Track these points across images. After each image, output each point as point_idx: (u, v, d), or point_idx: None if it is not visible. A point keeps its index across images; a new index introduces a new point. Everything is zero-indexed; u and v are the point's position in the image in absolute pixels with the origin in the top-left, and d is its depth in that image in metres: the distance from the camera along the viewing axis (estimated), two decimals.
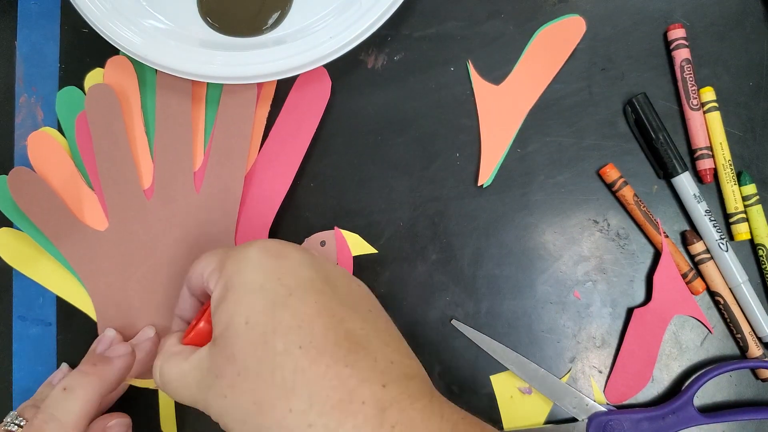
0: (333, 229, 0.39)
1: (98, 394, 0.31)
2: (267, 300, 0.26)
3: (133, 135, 0.39)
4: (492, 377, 0.38)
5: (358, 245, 0.39)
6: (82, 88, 0.40)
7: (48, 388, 0.35)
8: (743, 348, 0.37)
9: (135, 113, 0.39)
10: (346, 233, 0.39)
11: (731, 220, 0.38)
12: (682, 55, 0.38)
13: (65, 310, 0.39)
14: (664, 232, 0.38)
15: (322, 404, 0.24)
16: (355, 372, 0.24)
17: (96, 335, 0.39)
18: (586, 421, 0.37)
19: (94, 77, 0.40)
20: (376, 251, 0.39)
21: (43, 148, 0.39)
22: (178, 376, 0.28)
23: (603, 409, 0.37)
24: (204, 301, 0.33)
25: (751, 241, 0.38)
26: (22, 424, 0.31)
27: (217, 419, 0.26)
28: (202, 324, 0.30)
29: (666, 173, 0.38)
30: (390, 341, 0.27)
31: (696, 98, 0.38)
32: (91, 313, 0.39)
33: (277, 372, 0.24)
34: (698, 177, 0.38)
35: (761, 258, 0.37)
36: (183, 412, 0.39)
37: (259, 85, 0.39)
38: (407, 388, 0.25)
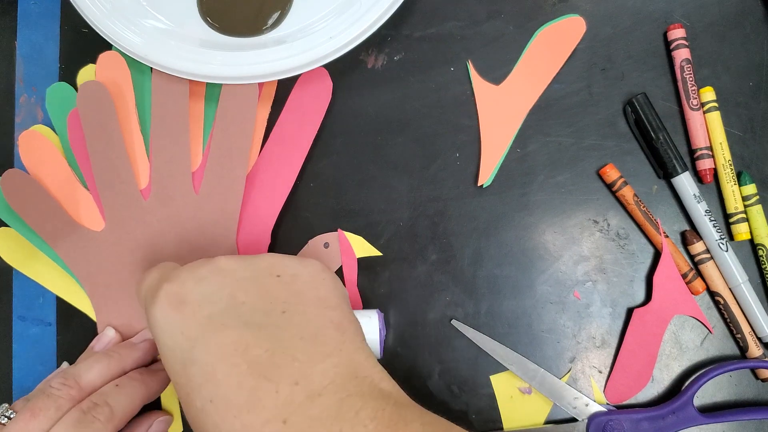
0: (335, 230, 0.39)
1: (144, 398, 0.34)
2: (177, 360, 0.27)
3: (129, 133, 0.39)
4: (492, 377, 0.38)
5: (362, 247, 0.39)
6: (75, 85, 0.40)
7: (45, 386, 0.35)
8: (743, 348, 0.37)
9: (130, 111, 0.39)
10: (349, 235, 0.39)
11: (731, 220, 0.38)
12: (682, 55, 0.38)
13: (65, 310, 0.39)
14: (664, 232, 0.38)
15: None
16: (257, 415, 0.25)
17: (96, 335, 0.39)
18: (586, 421, 0.37)
19: (86, 73, 0.40)
20: (380, 253, 0.39)
21: (35, 147, 0.39)
22: None
23: (603, 409, 0.37)
24: None
25: (751, 241, 0.38)
26: (12, 416, 0.32)
27: None
28: None
29: (666, 173, 0.38)
30: (299, 348, 0.27)
31: (696, 98, 0.38)
32: (91, 314, 0.39)
33: (203, 428, 0.26)
34: (698, 177, 0.38)
35: (761, 258, 0.37)
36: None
37: (260, 86, 0.39)
38: (308, 416, 0.25)
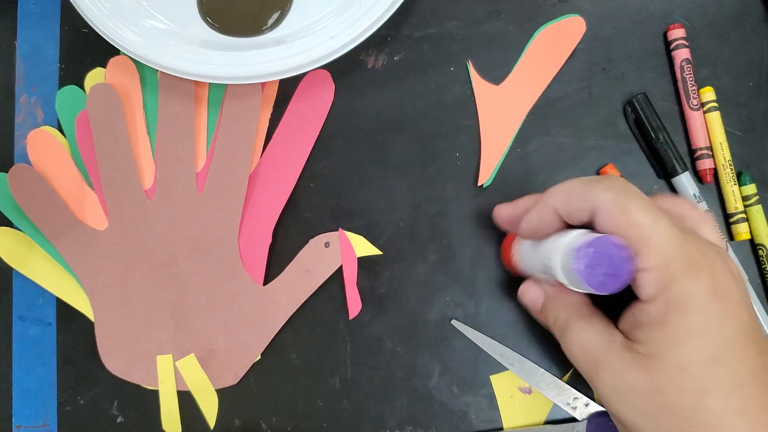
0: (336, 230, 0.39)
1: None
2: (705, 351, 0.26)
3: (135, 135, 0.39)
4: (492, 377, 0.38)
5: (363, 246, 0.39)
6: (82, 87, 0.40)
7: None
8: None
9: (137, 113, 0.39)
10: (350, 234, 0.39)
11: (731, 220, 0.38)
12: (682, 55, 0.38)
13: (65, 310, 0.39)
14: None
15: None
16: None
17: (94, 335, 0.39)
18: (586, 421, 0.37)
19: (94, 77, 0.40)
20: (380, 253, 0.39)
21: (43, 146, 0.39)
22: (581, 349, 0.29)
23: (603, 409, 0.37)
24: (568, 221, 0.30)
25: (751, 241, 0.38)
26: None
27: (615, 411, 0.28)
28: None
29: (666, 173, 0.38)
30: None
31: (696, 98, 0.38)
32: (90, 314, 0.39)
33: (708, 429, 0.25)
34: (698, 177, 0.38)
35: (761, 258, 0.37)
36: (188, 410, 0.39)
37: (261, 88, 0.39)
38: None
